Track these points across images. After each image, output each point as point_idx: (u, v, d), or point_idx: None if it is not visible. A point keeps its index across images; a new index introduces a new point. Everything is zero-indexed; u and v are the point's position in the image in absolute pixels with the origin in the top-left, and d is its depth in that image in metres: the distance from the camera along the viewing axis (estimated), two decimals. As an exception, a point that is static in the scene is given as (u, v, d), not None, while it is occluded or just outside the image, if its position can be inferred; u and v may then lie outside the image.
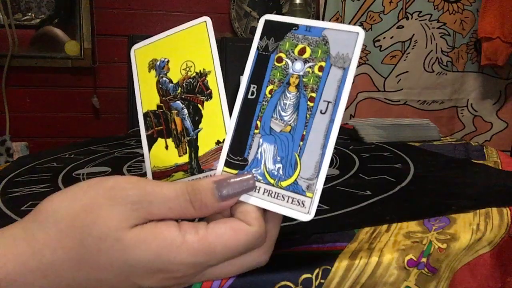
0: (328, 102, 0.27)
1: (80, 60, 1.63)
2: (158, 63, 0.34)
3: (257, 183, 0.27)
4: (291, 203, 0.26)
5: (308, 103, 0.27)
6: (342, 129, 1.06)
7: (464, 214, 0.39)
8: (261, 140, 0.28)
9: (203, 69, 0.32)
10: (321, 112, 0.27)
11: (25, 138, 1.64)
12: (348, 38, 0.27)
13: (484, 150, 0.71)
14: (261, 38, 0.29)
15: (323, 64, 0.27)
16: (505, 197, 0.44)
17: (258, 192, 0.27)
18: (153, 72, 0.34)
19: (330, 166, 0.58)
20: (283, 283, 0.29)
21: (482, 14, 1.63)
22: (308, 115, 0.27)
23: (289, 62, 0.28)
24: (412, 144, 0.80)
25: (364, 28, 1.71)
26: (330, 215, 0.39)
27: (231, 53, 1.43)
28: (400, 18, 1.72)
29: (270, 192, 0.27)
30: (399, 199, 0.45)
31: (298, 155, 0.27)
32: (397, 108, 1.77)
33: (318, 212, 0.41)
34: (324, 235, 0.35)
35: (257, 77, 0.29)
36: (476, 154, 0.68)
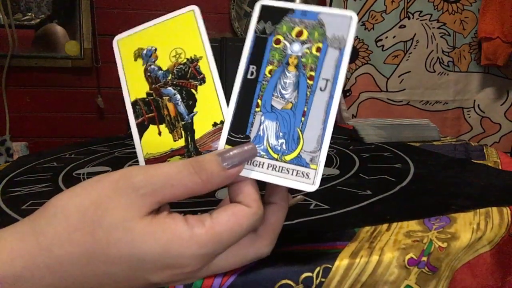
0: (327, 80, 0.28)
1: (80, 60, 1.63)
2: (144, 51, 0.33)
3: (260, 159, 0.27)
4: (296, 175, 0.27)
5: (308, 81, 0.28)
6: (342, 129, 1.06)
7: (464, 214, 0.39)
8: (262, 118, 0.28)
9: (194, 55, 0.31)
10: (320, 89, 0.28)
11: (25, 138, 1.64)
12: (342, 22, 0.28)
13: (484, 150, 0.71)
14: (258, 22, 0.29)
15: (320, 45, 0.28)
16: (505, 197, 0.44)
17: (262, 167, 0.27)
18: (139, 60, 0.33)
19: (330, 166, 0.58)
20: (283, 281, 0.29)
21: (482, 14, 1.63)
22: (308, 93, 0.28)
23: (287, 44, 0.29)
24: (412, 144, 0.80)
25: (366, 28, 1.71)
26: (330, 215, 0.39)
27: (231, 53, 1.43)
28: (402, 18, 1.72)
29: (274, 167, 0.27)
30: (399, 198, 0.45)
31: (301, 130, 0.27)
32: (400, 109, 1.76)
33: (318, 212, 0.41)
34: (325, 234, 0.35)
35: (256, 58, 0.29)
36: (476, 154, 0.68)
